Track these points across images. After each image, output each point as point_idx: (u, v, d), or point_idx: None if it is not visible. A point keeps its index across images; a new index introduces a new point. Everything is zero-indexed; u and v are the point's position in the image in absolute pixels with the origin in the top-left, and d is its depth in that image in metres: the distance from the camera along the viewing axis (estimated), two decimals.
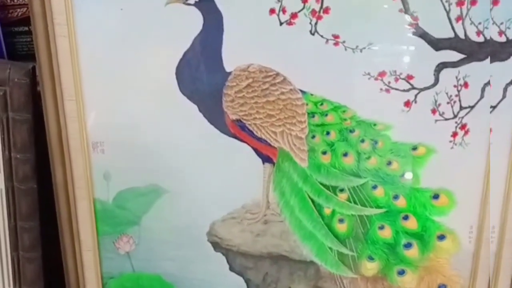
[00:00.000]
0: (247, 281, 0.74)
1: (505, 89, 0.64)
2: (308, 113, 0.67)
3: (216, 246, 0.73)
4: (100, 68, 0.67)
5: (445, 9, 0.61)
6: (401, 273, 0.71)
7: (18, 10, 0.82)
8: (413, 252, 0.70)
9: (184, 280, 0.75)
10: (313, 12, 0.62)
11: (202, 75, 0.66)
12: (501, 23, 0.61)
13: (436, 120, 0.65)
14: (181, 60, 0.65)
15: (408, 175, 0.68)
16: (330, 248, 0.71)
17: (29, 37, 0.82)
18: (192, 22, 0.64)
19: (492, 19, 0.61)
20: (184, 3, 0.64)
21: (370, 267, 0.71)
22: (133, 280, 0.76)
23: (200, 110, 0.67)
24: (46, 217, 0.76)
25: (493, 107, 0.64)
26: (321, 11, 0.62)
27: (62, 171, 0.70)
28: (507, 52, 0.62)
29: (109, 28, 0.65)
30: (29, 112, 0.70)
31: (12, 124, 0.71)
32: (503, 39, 0.62)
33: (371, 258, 0.71)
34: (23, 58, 0.81)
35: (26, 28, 0.82)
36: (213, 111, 0.67)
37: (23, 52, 0.83)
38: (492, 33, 0.61)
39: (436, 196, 0.68)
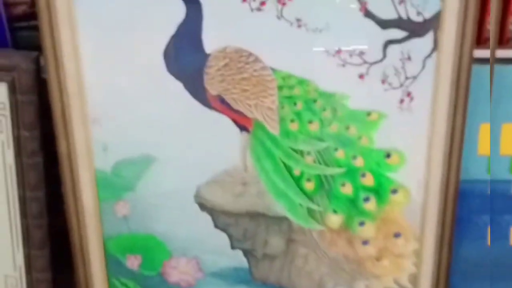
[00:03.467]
0: (229, 236, 0.84)
1: (424, 61, 0.73)
2: (278, 87, 0.76)
3: (202, 206, 0.82)
4: (98, 53, 0.75)
5: None
6: (361, 224, 0.81)
7: (19, 7, 0.91)
8: (371, 205, 0.80)
9: (175, 238, 0.84)
10: None
11: (186, 56, 0.75)
12: (418, 5, 0.71)
13: (386, 90, 0.75)
14: (168, 44, 0.74)
15: (364, 138, 0.78)
16: (300, 205, 0.80)
17: (30, 32, 0.91)
18: (177, 11, 0.73)
19: (410, 1, 0.70)
20: None
21: (335, 220, 0.81)
22: (129, 240, 0.84)
23: (185, 87, 0.76)
24: (52, 189, 0.85)
25: (414, 77, 0.74)
26: None
27: (65, 144, 0.79)
28: (424, 29, 0.72)
29: (107, 17, 0.73)
30: (35, 94, 0.80)
31: (20, 105, 0.80)
32: (420, 19, 0.71)
33: (335, 212, 0.81)
34: (25, 50, 0.90)
35: (26, 24, 0.92)
36: (196, 88, 0.76)
37: (24, 45, 0.92)
38: (411, 14, 0.71)
39: (388, 155, 0.78)
